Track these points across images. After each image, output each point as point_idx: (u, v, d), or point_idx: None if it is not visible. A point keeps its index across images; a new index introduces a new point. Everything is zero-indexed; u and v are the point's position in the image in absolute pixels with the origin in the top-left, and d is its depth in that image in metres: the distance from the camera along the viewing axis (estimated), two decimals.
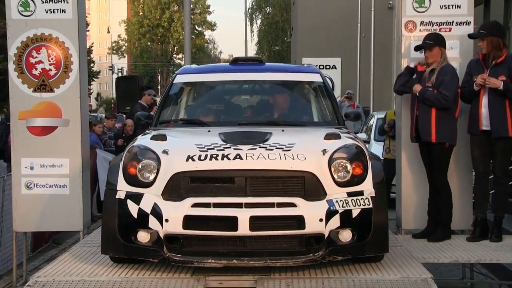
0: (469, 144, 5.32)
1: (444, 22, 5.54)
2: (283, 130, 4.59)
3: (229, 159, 3.89)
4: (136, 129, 8.68)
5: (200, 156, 3.92)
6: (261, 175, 3.86)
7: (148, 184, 3.95)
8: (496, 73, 5.07)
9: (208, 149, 3.99)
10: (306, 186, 3.86)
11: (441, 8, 5.54)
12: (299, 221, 3.78)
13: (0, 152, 9.15)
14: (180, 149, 4.07)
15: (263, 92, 5.64)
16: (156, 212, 3.85)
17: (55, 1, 5.63)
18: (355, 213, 3.90)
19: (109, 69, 57.39)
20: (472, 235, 5.29)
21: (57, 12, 5.65)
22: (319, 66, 12.99)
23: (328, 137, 4.22)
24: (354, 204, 3.90)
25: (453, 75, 5.15)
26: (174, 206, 3.85)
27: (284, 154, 3.92)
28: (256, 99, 5.84)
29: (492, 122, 5.10)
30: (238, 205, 3.80)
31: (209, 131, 4.60)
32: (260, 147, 3.99)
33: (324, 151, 3.97)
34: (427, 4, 5.57)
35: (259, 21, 45.90)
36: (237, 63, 5.53)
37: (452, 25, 5.54)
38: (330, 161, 3.93)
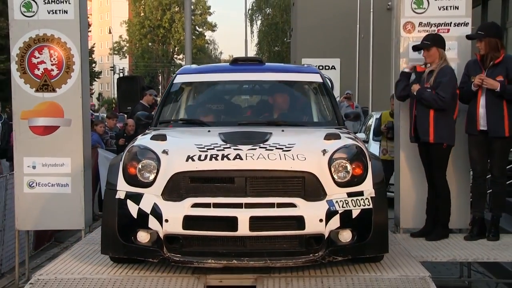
0: (467, 144, 5.35)
1: (442, 23, 5.57)
2: (283, 130, 4.58)
3: (229, 159, 3.88)
4: (137, 129, 8.72)
5: (200, 156, 3.91)
6: (261, 175, 3.85)
7: (148, 184, 3.94)
8: (493, 74, 5.10)
9: (208, 149, 3.98)
10: (306, 186, 3.85)
11: (439, 9, 5.58)
12: (299, 222, 3.78)
13: (3, 152, 9.18)
14: (180, 149, 4.06)
15: (263, 92, 5.63)
16: (156, 212, 3.84)
17: (57, 2, 5.67)
18: (355, 213, 3.89)
19: (111, 70, 57.43)
20: (470, 234, 5.33)
21: (59, 12, 5.68)
22: (319, 66, 13.02)
23: (328, 137, 4.22)
24: (354, 205, 3.89)
25: (452, 77, 5.18)
26: (174, 206, 3.84)
27: (284, 154, 3.91)
28: (256, 99, 5.83)
29: (489, 122, 5.13)
30: (238, 206, 3.79)
31: (209, 131, 4.59)
32: (260, 147, 3.98)
33: (324, 151, 3.96)
34: (425, 5, 5.60)
35: (259, 22, 45.96)
36: (237, 63, 5.52)
37: (450, 26, 5.58)
38: (330, 161, 3.93)
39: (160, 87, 53.72)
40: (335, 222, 3.83)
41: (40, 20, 5.68)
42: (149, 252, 3.91)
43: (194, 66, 6.65)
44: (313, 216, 3.79)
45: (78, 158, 5.70)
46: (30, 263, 6.27)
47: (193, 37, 50.08)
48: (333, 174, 3.91)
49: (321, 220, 3.80)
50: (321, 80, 5.40)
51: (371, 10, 21.94)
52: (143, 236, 3.90)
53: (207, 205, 3.82)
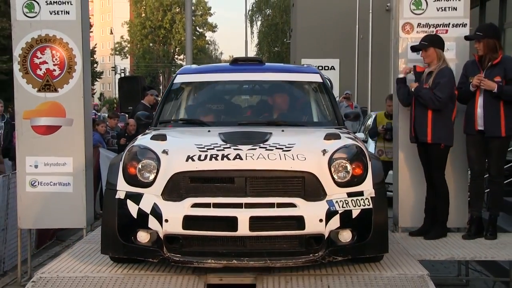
0: (465, 144, 5.38)
1: (440, 24, 5.60)
2: (283, 130, 4.58)
3: (229, 159, 3.87)
4: (138, 129, 8.75)
5: (200, 156, 3.90)
6: (261, 175, 3.85)
7: (148, 184, 3.93)
8: (491, 74, 5.13)
9: (208, 149, 3.97)
10: (306, 186, 3.85)
11: (438, 10, 5.61)
12: (299, 222, 3.78)
13: (5, 151, 9.21)
14: (180, 149, 4.05)
15: (263, 92, 5.62)
16: (156, 212, 3.83)
17: (59, 3, 5.70)
18: (355, 213, 3.89)
19: (112, 70, 57.53)
20: (468, 233, 5.36)
21: (61, 13, 5.72)
22: (318, 67, 13.04)
23: (328, 137, 4.22)
24: (354, 205, 3.89)
25: (450, 78, 5.21)
26: (174, 206, 3.83)
27: (284, 154, 3.90)
28: (256, 99, 5.82)
29: (486, 122, 5.16)
30: (238, 206, 3.78)
31: (209, 131, 4.58)
32: (260, 147, 3.97)
33: (324, 151, 3.96)
34: (424, 6, 5.63)
35: (259, 23, 45.95)
36: (237, 63, 5.51)
37: (449, 27, 5.60)
38: (330, 161, 3.92)
39: (161, 87, 53.69)
40: (335, 222, 3.83)
41: (42, 21, 5.72)
42: (149, 252, 3.91)
43: (194, 66, 6.62)
44: (313, 216, 3.79)
45: (79, 157, 5.73)
46: (32, 261, 6.30)
47: (194, 37, 50.09)
48: (333, 174, 3.91)
49: (321, 220, 3.80)
50: (321, 80, 5.40)
51: (370, 11, 21.96)
52: (143, 236, 3.90)
53: (207, 205, 3.81)
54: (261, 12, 45.29)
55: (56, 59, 5.74)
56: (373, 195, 3.96)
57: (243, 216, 3.73)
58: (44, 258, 7.07)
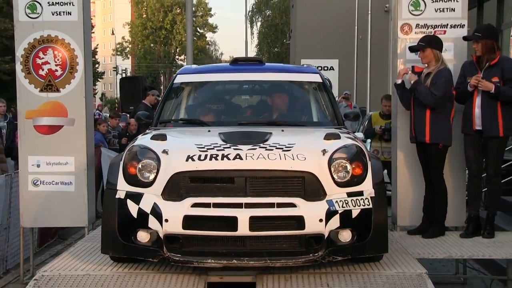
0: (463, 144, 5.41)
1: (438, 25, 5.64)
2: (283, 130, 4.57)
3: (229, 159, 3.86)
4: (139, 128, 8.79)
5: (200, 156, 3.89)
6: (261, 175, 3.84)
7: (148, 184, 3.93)
8: (489, 75, 5.16)
9: (208, 149, 3.96)
10: (306, 186, 3.85)
11: (436, 11, 5.64)
12: (299, 221, 3.77)
13: (8, 150, 9.24)
14: (180, 149, 4.05)
15: (263, 92, 5.61)
16: (156, 212, 3.83)
17: (61, 4, 5.74)
18: (355, 213, 3.89)
19: (114, 70, 57.47)
20: (465, 231, 5.39)
21: (63, 14, 5.75)
22: (317, 67, 13.07)
23: (328, 137, 4.22)
24: (354, 204, 3.89)
25: (447, 79, 5.23)
26: (174, 206, 3.83)
27: (284, 154, 3.90)
28: (256, 99, 5.81)
29: (484, 122, 5.19)
30: (238, 205, 3.78)
31: (209, 131, 4.58)
32: (260, 147, 3.97)
33: (324, 151, 3.96)
34: (422, 8, 5.67)
35: (259, 24, 45.88)
36: (237, 63, 5.50)
37: (447, 27, 5.64)
38: (330, 161, 3.92)
39: (162, 87, 53.66)
40: (335, 222, 3.83)
41: (45, 22, 5.76)
42: (149, 252, 3.91)
43: (194, 66, 6.60)
44: (313, 216, 3.79)
45: (81, 156, 5.77)
46: (34, 259, 6.35)
47: (194, 38, 50.09)
48: (333, 174, 3.91)
49: (321, 220, 3.80)
50: (320, 80, 5.40)
51: (369, 12, 21.93)
52: (143, 236, 3.90)
53: (207, 205, 3.80)
54: (261, 13, 45.26)
55: (58, 60, 5.78)
56: (373, 195, 3.96)
57: (243, 216, 3.73)
58: (46, 256, 7.10)
